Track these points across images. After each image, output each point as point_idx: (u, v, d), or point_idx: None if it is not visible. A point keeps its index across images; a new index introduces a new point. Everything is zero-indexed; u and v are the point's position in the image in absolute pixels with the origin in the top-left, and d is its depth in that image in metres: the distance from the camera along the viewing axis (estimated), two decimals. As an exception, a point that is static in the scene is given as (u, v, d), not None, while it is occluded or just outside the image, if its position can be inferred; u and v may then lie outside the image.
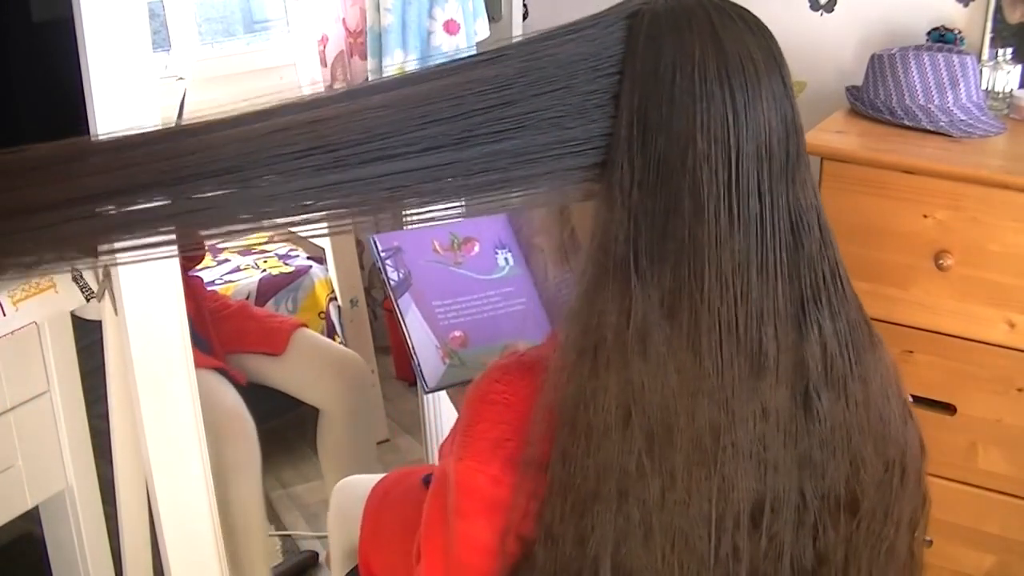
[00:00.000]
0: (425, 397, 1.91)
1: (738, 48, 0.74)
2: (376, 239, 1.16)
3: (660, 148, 0.73)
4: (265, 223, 0.71)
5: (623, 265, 0.74)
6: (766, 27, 0.78)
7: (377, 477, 1.43)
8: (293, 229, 0.73)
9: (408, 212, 0.78)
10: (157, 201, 0.67)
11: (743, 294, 0.75)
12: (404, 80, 0.77)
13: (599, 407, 0.75)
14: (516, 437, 0.80)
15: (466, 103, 0.72)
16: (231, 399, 1.88)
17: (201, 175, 0.68)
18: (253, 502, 1.89)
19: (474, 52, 0.81)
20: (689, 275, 0.74)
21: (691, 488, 0.75)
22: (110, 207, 0.66)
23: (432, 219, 0.79)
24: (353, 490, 1.46)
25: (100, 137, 0.72)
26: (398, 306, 1.13)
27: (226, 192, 0.68)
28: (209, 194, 0.68)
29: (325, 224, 0.73)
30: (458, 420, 0.86)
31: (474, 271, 1.19)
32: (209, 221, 0.69)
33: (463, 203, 0.79)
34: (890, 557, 0.86)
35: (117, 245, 0.67)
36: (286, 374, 2.07)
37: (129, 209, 0.66)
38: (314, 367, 2.08)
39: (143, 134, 0.69)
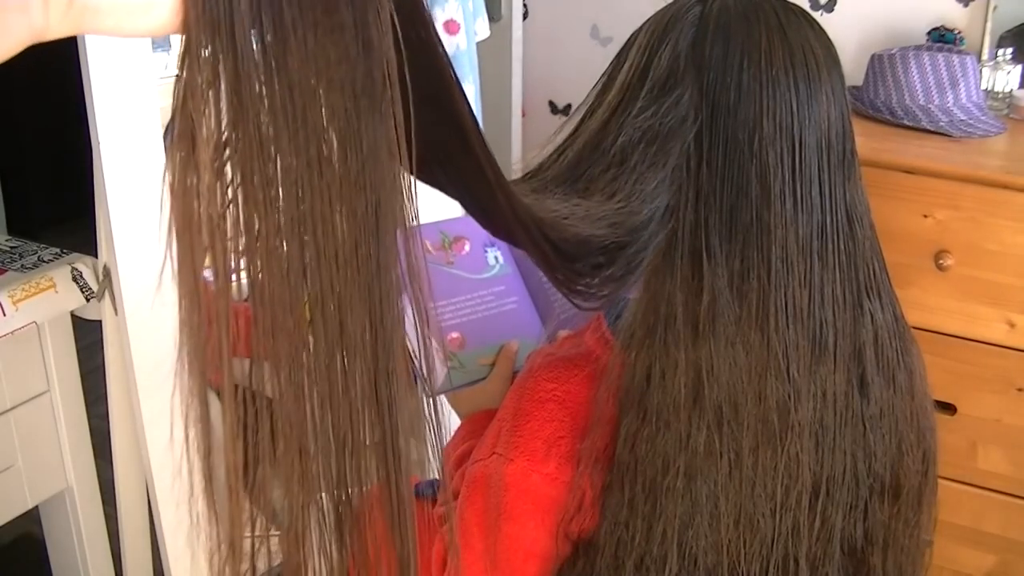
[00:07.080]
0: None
1: (801, 42, 0.77)
2: None
3: (728, 131, 0.75)
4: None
5: (692, 244, 0.76)
6: (822, 26, 0.80)
7: None
8: None
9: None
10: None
11: (806, 278, 0.76)
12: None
13: (668, 385, 0.76)
14: (570, 433, 0.80)
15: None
16: None
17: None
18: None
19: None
20: (757, 256, 0.75)
21: (757, 467, 0.77)
22: None
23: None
24: None
25: None
26: None
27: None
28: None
29: None
30: (499, 423, 0.85)
31: (466, 271, 1.18)
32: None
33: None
34: (917, 545, 0.88)
35: None
36: None
37: None
38: None
39: None
